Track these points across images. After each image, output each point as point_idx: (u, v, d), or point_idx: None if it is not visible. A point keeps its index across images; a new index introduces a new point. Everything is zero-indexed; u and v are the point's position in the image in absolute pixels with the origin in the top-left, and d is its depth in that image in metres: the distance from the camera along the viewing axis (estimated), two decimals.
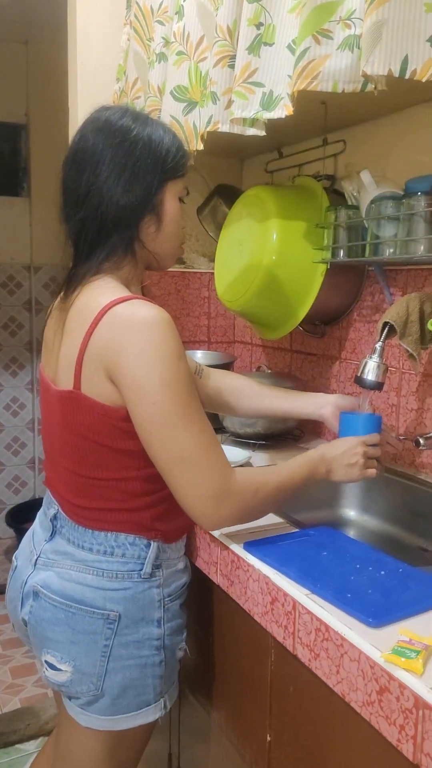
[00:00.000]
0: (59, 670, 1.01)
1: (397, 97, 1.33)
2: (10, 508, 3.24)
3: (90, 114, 1.02)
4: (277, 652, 0.97)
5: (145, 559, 1.01)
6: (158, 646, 1.02)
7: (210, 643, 1.20)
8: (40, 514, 1.13)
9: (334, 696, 0.81)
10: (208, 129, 1.25)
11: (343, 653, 0.78)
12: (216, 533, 1.08)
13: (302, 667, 0.88)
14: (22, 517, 3.12)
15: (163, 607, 1.03)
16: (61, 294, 1.04)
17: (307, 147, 1.70)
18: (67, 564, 1.02)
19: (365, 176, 1.34)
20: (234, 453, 1.50)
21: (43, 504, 1.12)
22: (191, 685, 1.30)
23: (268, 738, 1.01)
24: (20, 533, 3.00)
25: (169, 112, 1.42)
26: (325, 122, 1.44)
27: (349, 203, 1.45)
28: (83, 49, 1.86)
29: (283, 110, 1.12)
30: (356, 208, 1.41)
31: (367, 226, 1.36)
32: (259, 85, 1.15)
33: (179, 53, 1.38)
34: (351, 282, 1.58)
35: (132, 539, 1.00)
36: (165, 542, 1.03)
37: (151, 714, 1.04)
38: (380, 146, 1.50)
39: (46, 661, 1.03)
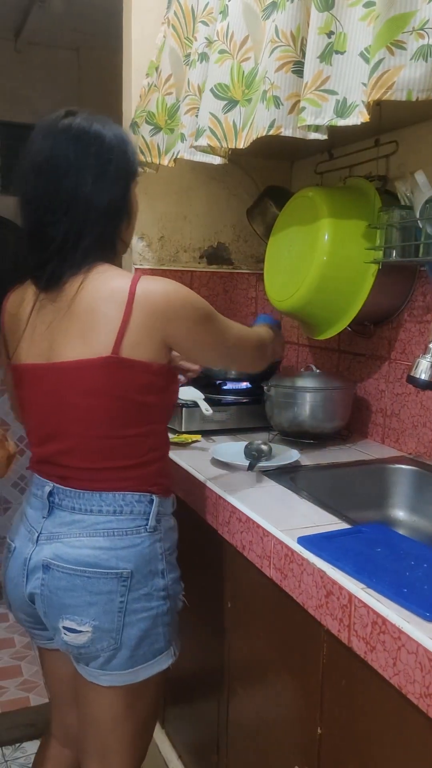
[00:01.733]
0: (79, 632, 1.09)
1: None
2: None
3: (51, 121, 1.08)
4: (330, 645, 0.98)
5: (150, 513, 1.12)
6: (164, 596, 1.13)
7: (260, 637, 1.22)
8: (27, 497, 1.20)
9: (389, 688, 0.82)
10: (270, 132, 1.27)
11: (400, 646, 0.79)
12: (270, 528, 1.10)
13: (356, 660, 0.89)
14: None
15: (165, 559, 1.14)
16: (34, 288, 1.12)
17: (357, 148, 1.71)
18: (74, 533, 1.10)
19: (420, 177, 1.35)
20: (284, 453, 1.51)
21: (31, 487, 1.19)
22: (240, 679, 1.32)
23: (319, 731, 1.03)
24: None
25: (209, 110, 1.43)
26: (379, 124, 1.45)
27: (403, 204, 1.45)
28: (137, 55, 1.90)
29: (359, 117, 1.14)
30: (410, 208, 1.41)
31: (421, 226, 1.36)
32: (332, 92, 1.17)
33: (222, 51, 1.40)
34: (402, 282, 1.58)
35: (138, 497, 1.12)
36: (163, 496, 1.15)
37: (164, 661, 1.15)
38: None
39: (64, 627, 1.10)
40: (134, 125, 1.83)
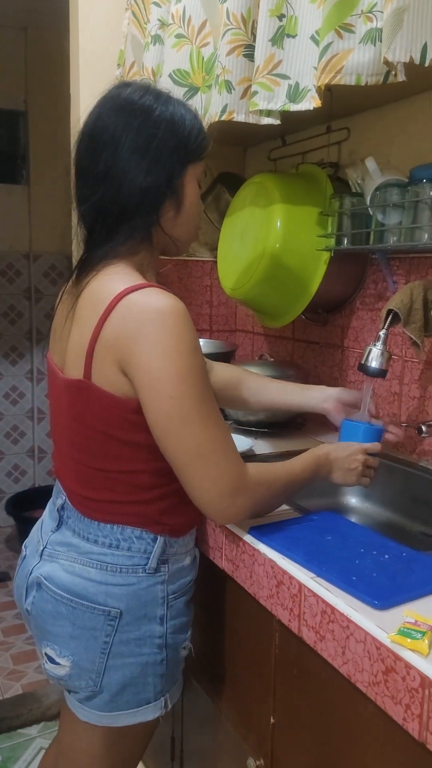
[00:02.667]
0: (58, 663, 1.00)
1: (403, 85, 1.32)
2: (9, 497, 3.25)
3: (108, 91, 0.98)
4: (282, 635, 0.98)
5: (152, 553, 0.99)
6: (160, 644, 1.01)
7: (213, 628, 1.21)
8: (49, 503, 1.12)
9: (339, 677, 0.82)
10: (222, 118, 1.25)
11: (349, 635, 0.79)
12: None
13: (307, 650, 0.88)
14: (21, 505, 3.13)
15: (167, 604, 1.02)
16: (72, 278, 1.01)
17: (310, 135, 1.70)
18: (72, 556, 1.00)
19: (370, 163, 1.34)
20: (237, 441, 1.50)
21: (53, 493, 1.10)
22: (194, 671, 1.31)
23: (272, 720, 1.02)
24: (20, 522, 3.03)
25: None
26: (330, 110, 1.43)
27: (354, 191, 1.45)
28: (85, 35, 1.84)
29: (311, 102, 1.12)
30: (360, 195, 1.41)
31: (371, 213, 1.36)
32: (284, 77, 1.15)
33: (179, 36, 1.37)
34: (354, 270, 1.58)
35: (139, 533, 0.99)
36: (172, 537, 1.01)
37: (150, 713, 1.03)
38: (384, 134, 1.50)
39: (45, 654, 1.02)
40: None
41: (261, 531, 1.02)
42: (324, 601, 0.83)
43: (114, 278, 0.93)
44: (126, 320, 0.88)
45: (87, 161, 0.96)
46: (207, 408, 0.90)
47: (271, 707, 1.03)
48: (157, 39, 1.49)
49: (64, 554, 1.01)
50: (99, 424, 0.94)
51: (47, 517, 1.10)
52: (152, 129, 0.93)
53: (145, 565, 0.99)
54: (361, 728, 0.83)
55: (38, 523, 1.13)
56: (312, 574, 0.89)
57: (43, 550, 1.05)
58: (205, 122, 1.36)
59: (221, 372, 1.34)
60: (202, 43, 1.36)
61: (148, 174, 0.93)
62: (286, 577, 0.91)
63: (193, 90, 1.38)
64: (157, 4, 1.48)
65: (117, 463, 0.96)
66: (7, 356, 3.31)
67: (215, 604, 1.20)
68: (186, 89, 1.39)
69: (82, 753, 1.06)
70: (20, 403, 3.35)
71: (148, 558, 0.99)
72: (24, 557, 1.11)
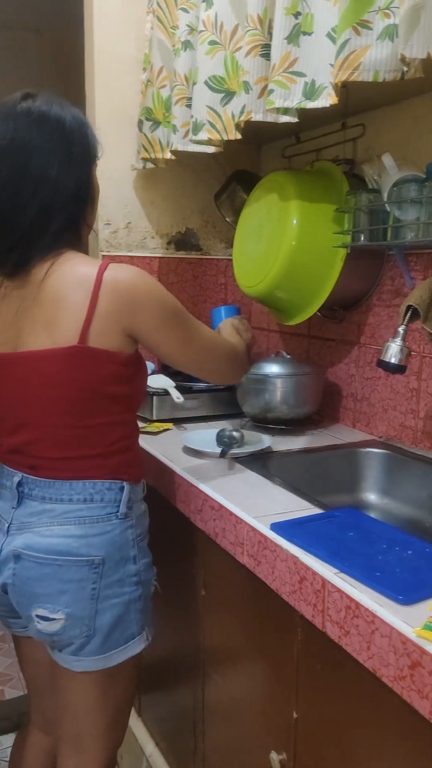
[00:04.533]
0: (52, 619, 1.09)
1: (418, 81, 1.32)
2: None
3: (9, 104, 1.06)
4: (304, 630, 0.98)
5: (121, 501, 1.12)
6: (136, 581, 1.14)
7: (234, 623, 1.22)
8: None
9: (364, 672, 0.82)
10: (241, 119, 1.26)
11: (374, 630, 0.80)
12: (243, 515, 1.09)
13: (331, 645, 0.89)
14: None
15: (137, 545, 1.14)
16: (13, 272, 1.09)
17: (324, 132, 1.70)
18: (45, 522, 1.09)
19: (387, 159, 1.34)
20: (255, 438, 1.51)
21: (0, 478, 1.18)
22: (215, 666, 1.32)
23: (295, 715, 1.03)
24: None
25: (205, 102, 1.41)
26: (345, 107, 1.43)
27: (370, 187, 1.45)
28: (100, 37, 1.86)
29: (327, 99, 1.13)
30: (377, 192, 1.41)
31: (388, 209, 1.36)
32: (301, 74, 1.16)
33: (212, 42, 1.38)
34: (371, 266, 1.58)
35: (108, 484, 1.11)
36: (132, 484, 1.15)
37: (137, 645, 1.16)
38: (400, 130, 1.50)
39: (37, 615, 1.10)
40: (139, 123, 1.82)
41: (283, 527, 1.02)
42: (348, 597, 0.84)
43: (77, 262, 1.07)
44: (120, 293, 1.05)
45: (10, 173, 1.04)
46: (194, 321, 1.18)
47: (293, 702, 1.03)
48: (187, 45, 1.50)
49: (36, 522, 1.10)
50: (95, 382, 1.07)
51: (5, 498, 1.16)
52: (69, 137, 1.06)
53: (117, 512, 1.12)
54: (386, 722, 0.83)
55: None
56: (335, 570, 0.89)
57: (9, 527, 1.12)
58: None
59: None
60: (235, 48, 1.37)
61: (75, 177, 1.06)
62: (310, 572, 0.92)
63: (230, 95, 1.39)
64: (185, 10, 1.49)
65: (102, 417, 1.10)
66: None
67: (235, 599, 1.21)
68: (223, 94, 1.40)
69: (80, 706, 1.16)
70: None
71: (118, 505, 1.12)
72: None
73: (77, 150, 1.07)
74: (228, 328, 1.39)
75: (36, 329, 1.06)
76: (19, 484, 1.12)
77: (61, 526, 1.09)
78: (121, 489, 1.12)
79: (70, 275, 1.05)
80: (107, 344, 1.05)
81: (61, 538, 1.08)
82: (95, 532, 1.09)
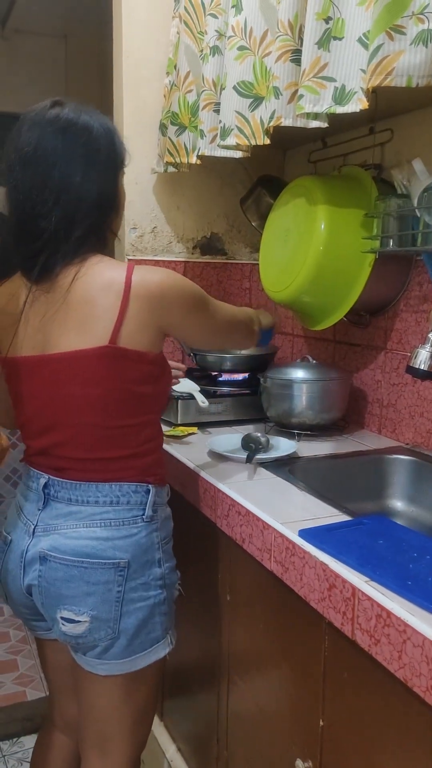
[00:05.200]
0: (77, 622, 1.09)
1: None
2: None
3: (37, 112, 1.07)
4: (332, 637, 0.98)
5: (146, 503, 1.13)
6: (161, 585, 1.14)
7: (259, 629, 1.22)
8: (21, 490, 1.21)
9: (394, 681, 0.82)
10: (271, 124, 1.26)
11: (405, 639, 0.79)
12: (270, 521, 1.09)
13: (359, 653, 0.88)
14: None
15: (162, 548, 1.15)
16: (23, 281, 1.11)
17: (351, 137, 1.69)
18: (71, 524, 1.10)
19: (417, 164, 1.33)
20: (281, 444, 1.50)
21: (24, 480, 1.20)
22: (239, 672, 1.32)
23: (321, 723, 1.02)
24: None
25: (234, 108, 1.42)
26: (375, 111, 1.43)
27: (399, 192, 1.44)
28: (128, 42, 1.87)
29: (358, 104, 1.13)
30: (406, 197, 1.40)
31: (419, 215, 1.35)
32: (331, 79, 1.16)
33: (241, 48, 1.38)
34: (398, 272, 1.57)
35: (134, 487, 1.12)
36: (158, 487, 1.16)
37: (161, 650, 1.16)
38: (429, 135, 1.48)
39: (62, 618, 1.10)
40: (162, 127, 1.82)
41: (312, 534, 1.02)
42: (379, 605, 0.83)
43: (105, 266, 1.08)
44: (152, 295, 1.07)
45: (34, 181, 1.05)
46: (217, 304, 1.23)
47: (320, 710, 1.03)
48: (215, 50, 1.50)
49: (63, 524, 1.11)
50: (125, 381, 1.09)
51: (24, 501, 1.17)
52: (95, 145, 1.07)
53: (143, 515, 1.12)
54: (416, 734, 0.82)
55: (13, 509, 1.21)
56: (366, 578, 0.88)
57: (34, 529, 1.13)
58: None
59: None
60: (264, 54, 1.37)
61: (99, 184, 1.08)
62: (339, 580, 0.91)
63: (258, 100, 1.39)
64: (213, 15, 1.49)
65: (131, 417, 1.12)
66: None
67: (261, 606, 1.20)
68: (252, 100, 1.40)
69: (104, 709, 1.16)
70: None
71: (144, 508, 1.12)
72: (11, 541, 1.17)
73: (103, 157, 1.08)
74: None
75: (66, 332, 1.07)
76: (45, 486, 1.13)
77: (87, 528, 1.10)
78: (147, 492, 1.13)
79: (99, 279, 1.07)
80: (137, 344, 1.07)
81: (87, 540, 1.09)
82: (121, 535, 1.10)
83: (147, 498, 1.13)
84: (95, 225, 1.10)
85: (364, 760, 0.93)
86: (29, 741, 1.92)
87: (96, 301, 1.06)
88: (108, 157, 1.09)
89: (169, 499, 1.22)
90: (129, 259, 1.96)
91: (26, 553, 1.13)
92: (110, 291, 1.05)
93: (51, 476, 1.13)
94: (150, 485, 1.14)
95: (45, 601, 1.13)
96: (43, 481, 1.14)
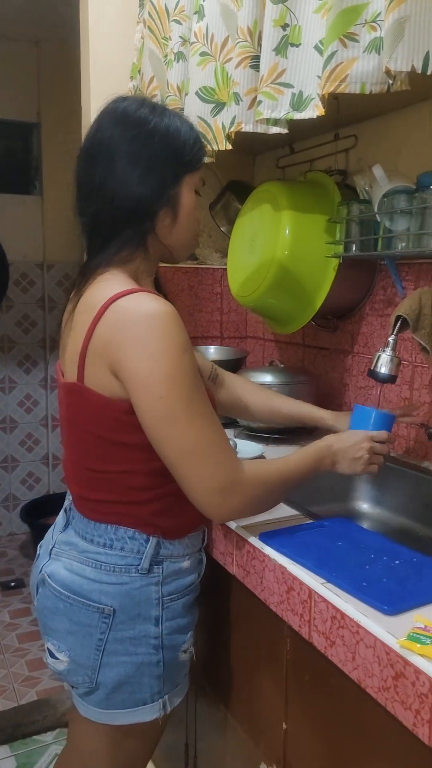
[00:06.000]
0: (57, 658, 1.05)
1: (409, 93, 1.33)
2: (24, 504, 3.28)
3: (106, 104, 1.00)
4: (293, 640, 0.98)
5: (144, 554, 1.01)
6: (156, 645, 1.02)
7: (224, 633, 1.22)
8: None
9: (350, 683, 0.82)
10: (232, 129, 1.27)
11: (359, 640, 0.80)
12: (232, 524, 1.09)
13: (318, 655, 0.89)
14: (36, 512, 3.15)
15: (162, 605, 1.02)
16: (75, 289, 1.03)
17: (318, 142, 1.71)
18: (72, 555, 1.04)
19: (377, 170, 1.35)
20: (248, 447, 1.51)
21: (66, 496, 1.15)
22: (206, 676, 1.32)
23: (284, 726, 1.03)
24: (35, 529, 3.04)
25: (196, 113, 1.42)
26: (337, 118, 1.45)
27: (361, 198, 1.46)
28: (95, 48, 1.87)
29: (314, 110, 1.14)
30: (368, 202, 1.42)
31: (379, 220, 1.36)
32: (288, 85, 1.16)
33: (203, 54, 1.39)
34: (363, 276, 1.59)
35: (132, 533, 1.01)
36: (166, 538, 1.03)
37: (148, 714, 1.03)
38: (391, 141, 1.51)
39: (48, 649, 1.07)
40: None
41: (271, 536, 1.02)
42: (334, 607, 0.84)
43: (107, 285, 0.95)
44: (115, 325, 0.90)
45: (85, 173, 0.99)
46: (197, 407, 0.91)
47: (283, 713, 1.03)
48: (180, 56, 1.51)
49: (66, 553, 1.05)
50: (91, 426, 0.97)
51: (59, 518, 1.13)
52: (146, 140, 0.95)
53: (138, 565, 1.01)
54: (372, 734, 0.83)
55: (53, 524, 1.17)
56: (322, 580, 0.89)
57: (51, 549, 1.08)
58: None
59: (233, 384, 1.38)
60: (225, 60, 1.38)
61: (141, 184, 0.95)
62: (297, 582, 0.92)
63: (220, 105, 1.40)
64: (177, 21, 1.50)
65: (110, 464, 0.99)
66: (21, 365, 3.34)
67: (226, 609, 1.20)
68: (213, 105, 1.41)
69: (87, 750, 1.09)
70: (34, 411, 3.38)
71: (141, 558, 1.01)
72: (37, 556, 1.14)
73: (153, 155, 0.95)
74: (312, 453, 1.05)
75: (67, 358, 1.01)
76: (69, 508, 1.09)
77: (80, 564, 1.02)
78: (147, 541, 1.01)
79: (91, 298, 0.95)
80: (100, 385, 0.93)
81: (77, 576, 1.02)
82: (110, 581, 1.00)
83: (145, 548, 1.01)
84: (130, 231, 0.97)
85: (325, 762, 0.94)
86: (2, 751, 1.90)
87: (79, 326, 0.95)
88: (159, 155, 0.96)
89: (197, 550, 1.10)
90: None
91: (40, 572, 1.08)
92: (88, 317, 0.93)
93: (72, 502, 1.08)
94: (151, 536, 1.01)
95: (40, 626, 1.09)
96: (67, 503, 1.10)
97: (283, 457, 1.04)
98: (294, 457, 1.04)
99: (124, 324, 0.90)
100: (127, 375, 0.90)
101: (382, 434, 1.13)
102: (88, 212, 0.99)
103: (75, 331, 0.97)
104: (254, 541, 1.03)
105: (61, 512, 1.13)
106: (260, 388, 1.41)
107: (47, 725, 1.98)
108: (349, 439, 1.09)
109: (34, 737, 1.94)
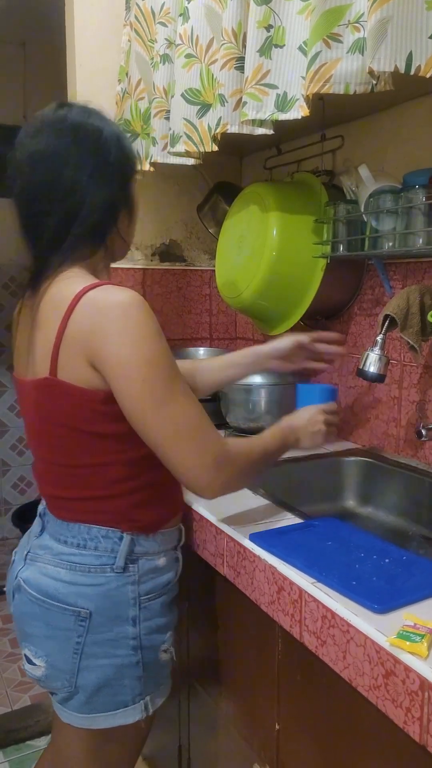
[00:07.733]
0: (35, 664, 1.04)
1: (394, 93, 1.34)
2: (16, 509, 3.26)
3: (47, 113, 1.03)
4: (284, 640, 0.98)
5: (118, 552, 1.01)
6: (134, 645, 1.02)
7: (217, 635, 1.22)
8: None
9: (341, 681, 0.82)
10: (217, 131, 1.27)
11: (349, 639, 0.80)
12: (223, 527, 1.09)
13: (309, 655, 0.89)
14: (27, 517, 3.12)
15: (139, 605, 1.02)
16: (28, 291, 1.04)
17: (305, 143, 1.71)
18: (47, 558, 1.03)
19: (363, 171, 1.35)
20: None
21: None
22: (199, 677, 1.32)
23: (277, 726, 1.03)
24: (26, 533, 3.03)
25: (182, 115, 1.42)
26: (323, 118, 1.45)
27: (348, 198, 1.46)
28: (81, 51, 1.87)
29: (299, 111, 1.14)
30: (355, 202, 1.42)
31: (366, 220, 1.37)
32: (273, 86, 1.17)
33: (188, 56, 1.39)
34: (351, 276, 1.59)
35: (105, 531, 1.01)
36: (141, 534, 1.03)
37: (130, 715, 1.03)
38: (378, 141, 1.51)
39: (24, 655, 1.06)
40: None
41: (262, 537, 1.02)
42: (324, 606, 0.84)
43: (71, 281, 0.97)
44: (90, 316, 0.92)
45: (43, 179, 0.99)
46: (179, 388, 0.94)
47: (275, 713, 1.03)
48: (166, 58, 1.51)
49: (41, 557, 1.05)
50: (66, 419, 0.97)
51: (35, 524, 1.13)
52: (103, 148, 1.01)
53: (113, 564, 1.00)
54: (363, 732, 0.83)
55: (29, 530, 1.16)
56: (312, 580, 0.89)
57: (26, 555, 1.08)
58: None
59: (188, 370, 1.34)
60: (210, 61, 1.38)
61: (104, 189, 1.01)
62: (287, 583, 0.92)
63: (206, 107, 1.40)
64: (163, 24, 1.50)
65: (87, 456, 0.99)
66: (11, 369, 3.32)
67: (217, 610, 1.20)
68: (199, 107, 1.41)
69: (69, 755, 1.08)
70: None
71: (115, 557, 1.01)
72: (13, 561, 1.13)
73: (111, 162, 1.01)
74: (278, 431, 1.12)
75: (33, 355, 1.00)
76: (43, 512, 1.09)
77: (54, 567, 1.02)
78: (121, 539, 1.01)
79: (57, 296, 0.96)
80: (76, 379, 0.94)
81: (52, 579, 1.01)
82: (86, 582, 1.00)
83: (119, 546, 1.00)
84: (96, 228, 1.02)
85: (318, 761, 0.94)
86: None
87: (46, 323, 0.96)
88: (116, 161, 1.02)
89: (175, 546, 1.11)
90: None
91: (15, 578, 1.08)
92: (58, 310, 0.94)
93: (46, 506, 1.08)
94: (124, 533, 1.01)
95: (17, 633, 1.08)
96: (41, 507, 1.10)
97: (255, 436, 1.10)
98: (265, 435, 1.11)
99: (99, 314, 0.92)
100: (106, 363, 0.92)
101: (332, 405, 1.23)
102: (50, 215, 1.00)
103: (42, 328, 0.98)
104: (245, 541, 1.03)
105: (37, 518, 1.12)
106: (203, 361, 1.38)
107: (40, 730, 1.97)
108: (304, 415, 1.18)
109: (28, 742, 1.93)
